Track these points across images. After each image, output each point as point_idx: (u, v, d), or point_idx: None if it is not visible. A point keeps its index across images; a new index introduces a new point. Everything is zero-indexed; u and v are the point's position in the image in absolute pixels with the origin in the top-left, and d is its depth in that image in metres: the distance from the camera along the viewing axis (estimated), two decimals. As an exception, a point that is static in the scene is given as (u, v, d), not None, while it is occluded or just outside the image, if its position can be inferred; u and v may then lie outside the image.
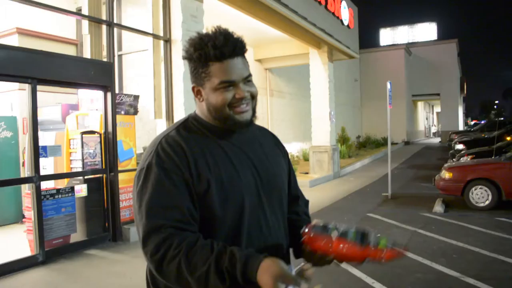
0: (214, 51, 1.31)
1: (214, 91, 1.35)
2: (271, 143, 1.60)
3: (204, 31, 6.43)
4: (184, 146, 1.33)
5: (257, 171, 1.43)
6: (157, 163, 1.30)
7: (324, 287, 4.40)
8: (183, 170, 1.29)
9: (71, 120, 6.61)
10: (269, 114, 16.27)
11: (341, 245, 1.34)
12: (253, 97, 1.41)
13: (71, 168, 6.34)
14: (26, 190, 6.46)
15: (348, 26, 14.62)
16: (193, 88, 1.42)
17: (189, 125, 1.43)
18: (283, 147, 1.68)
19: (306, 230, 1.36)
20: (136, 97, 6.92)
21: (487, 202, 8.19)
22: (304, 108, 15.93)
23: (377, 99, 27.74)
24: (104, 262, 5.48)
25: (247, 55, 1.43)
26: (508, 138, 14.61)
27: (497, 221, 7.30)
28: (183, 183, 1.29)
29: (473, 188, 8.28)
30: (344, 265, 4.94)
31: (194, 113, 1.48)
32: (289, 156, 1.74)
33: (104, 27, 6.31)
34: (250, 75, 1.40)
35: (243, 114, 1.38)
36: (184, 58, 1.41)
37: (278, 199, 1.49)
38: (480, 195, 8.24)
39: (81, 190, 5.96)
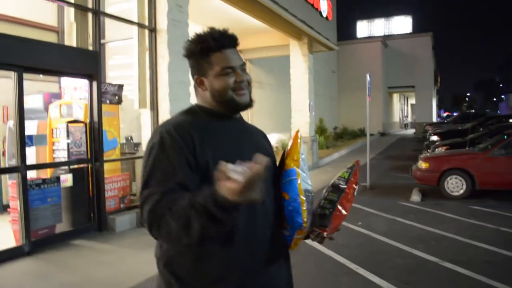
0: (215, 42, 1.50)
1: (217, 77, 1.50)
2: (261, 137, 1.73)
3: (189, 21, 6.44)
4: (189, 129, 1.42)
5: (252, 155, 1.47)
6: (160, 142, 1.39)
7: (310, 274, 4.57)
8: (185, 149, 1.37)
9: (55, 109, 6.53)
10: (248, 105, 16.27)
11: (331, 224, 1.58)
12: (249, 83, 1.57)
13: (54, 158, 6.28)
14: (8, 180, 6.39)
15: (326, 18, 14.78)
16: (196, 80, 1.56)
17: (194, 112, 1.56)
18: (267, 139, 1.78)
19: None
20: (120, 87, 6.90)
21: (461, 191, 8.51)
22: (283, 99, 16.07)
23: (354, 90, 28.10)
24: (91, 252, 5.49)
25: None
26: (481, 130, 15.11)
27: (470, 209, 7.62)
28: (184, 159, 1.36)
29: (449, 178, 8.59)
30: (328, 252, 5.14)
31: (196, 104, 1.61)
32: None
33: (90, 15, 6.26)
34: (244, 63, 1.57)
35: (243, 96, 1.53)
36: (185, 56, 1.57)
37: (273, 186, 1.58)
38: (455, 185, 8.56)
39: (67, 180, 5.94)
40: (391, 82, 35.99)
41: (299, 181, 1.55)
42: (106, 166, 6.44)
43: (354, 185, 1.63)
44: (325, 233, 1.56)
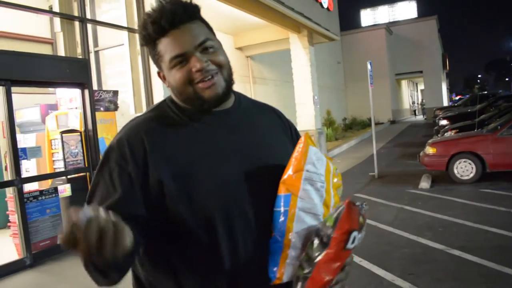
0: (153, 27, 1.15)
1: (170, 70, 1.17)
2: (273, 122, 1.36)
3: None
4: (143, 136, 1.15)
5: (248, 160, 1.19)
6: (107, 152, 1.17)
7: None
8: (130, 163, 1.12)
9: (51, 120, 6.52)
10: (253, 102, 16.16)
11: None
12: (220, 65, 1.18)
13: (54, 168, 6.28)
14: (10, 193, 6.41)
15: (327, 8, 14.58)
16: (158, 74, 1.25)
17: (163, 109, 1.24)
18: (289, 123, 1.41)
19: None
20: (115, 93, 6.85)
21: (471, 175, 8.29)
22: (288, 93, 15.89)
23: (361, 80, 27.71)
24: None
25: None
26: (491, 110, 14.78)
27: (481, 193, 7.42)
28: (124, 177, 1.11)
29: (457, 162, 8.38)
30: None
31: (169, 96, 1.29)
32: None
33: (76, 23, 6.21)
34: (207, 39, 1.17)
35: (209, 89, 1.16)
36: (141, 45, 1.25)
37: (272, 196, 1.18)
38: (465, 168, 8.34)
39: (65, 190, 5.91)
40: (398, 69, 35.55)
41: (290, 215, 1.12)
42: (106, 173, 6.39)
43: (342, 236, 1.06)
44: None
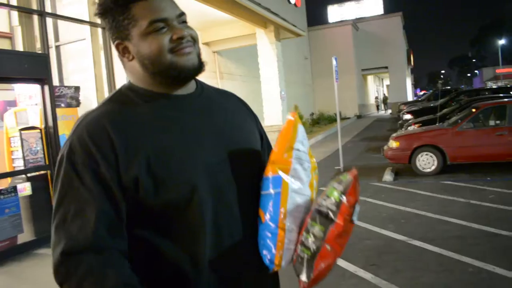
0: None
1: (145, 37, 1.08)
2: (237, 107, 1.32)
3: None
4: (108, 127, 1.04)
5: (219, 143, 1.15)
6: (68, 156, 1.04)
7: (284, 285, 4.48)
8: (100, 162, 1.01)
9: (10, 117, 6.31)
10: (221, 98, 16.10)
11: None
12: (195, 40, 1.15)
13: (14, 167, 6.08)
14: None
15: (295, 4, 14.70)
16: (117, 47, 1.14)
17: (122, 97, 1.13)
18: (253, 112, 1.38)
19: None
20: (76, 89, 6.69)
21: (433, 168, 8.54)
22: (256, 89, 15.91)
23: (328, 75, 27.85)
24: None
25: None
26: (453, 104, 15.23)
27: (442, 185, 7.65)
28: (98, 181, 1.01)
29: (420, 155, 8.61)
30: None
31: (127, 82, 1.19)
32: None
33: (35, 17, 6.02)
34: (184, 14, 1.15)
35: (188, 57, 1.10)
36: (97, 14, 1.14)
37: (250, 179, 1.17)
38: (426, 161, 8.58)
39: (25, 188, 5.74)
40: (364, 64, 36.07)
41: (282, 197, 1.07)
42: (69, 171, 6.25)
43: (350, 209, 1.05)
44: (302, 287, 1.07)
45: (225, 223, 1.09)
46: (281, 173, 1.09)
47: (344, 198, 1.05)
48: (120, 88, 1.18)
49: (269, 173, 1.10)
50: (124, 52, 1.13)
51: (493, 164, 8.70)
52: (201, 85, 1.25)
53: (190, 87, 1.20)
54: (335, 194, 1.06)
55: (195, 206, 1.05)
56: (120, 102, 1.12)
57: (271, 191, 1.08)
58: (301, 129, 1.16)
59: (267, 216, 1.07)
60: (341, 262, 4.32)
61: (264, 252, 1.08)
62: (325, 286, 4.07)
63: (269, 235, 1.07)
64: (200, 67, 1.15)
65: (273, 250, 1.07)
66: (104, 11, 1.11)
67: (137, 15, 1.08)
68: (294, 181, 1.10)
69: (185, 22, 1.15)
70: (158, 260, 1.06)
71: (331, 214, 1.05)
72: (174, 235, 1.06)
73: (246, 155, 1.18)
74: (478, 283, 3.72)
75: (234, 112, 1.27)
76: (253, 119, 1.35)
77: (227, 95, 1.34)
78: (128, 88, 1.15)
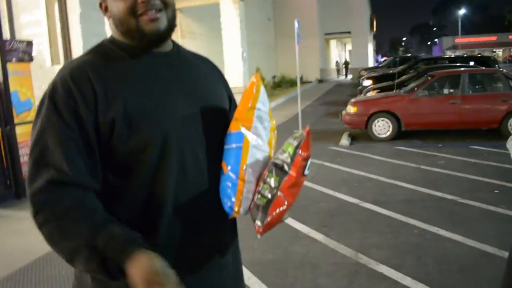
0: None
1: None
2: (210, 70, 1.37)
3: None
4: (90, 75, 1.09)
5: (192, 98, 1.21)
6: (50, 95, 1.09)
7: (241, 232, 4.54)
8: (80, 102, 1.06)
9: (-47, 70, 5.94)
10: (182, 57, 15.78)
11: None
12: (166, 3, 1.15)
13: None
14: None
15: (258, -38, 14.31)
16: (100, 5, 1.20)
17: (103, 49, 1.19)
18: (223, 77, 1.43)
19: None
20: (29, 43, 6.33)
21: (388, 133, 8.78)
22: (217, 49, 15.65)
23: (291, 38, 27.63)
24: (8, 220, 5.18)
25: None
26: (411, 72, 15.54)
27: (396, 150, 7.89)
28: (76, 119, 1.06)
29: (376, 121, 8.81)
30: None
31: (110, 36, 1.23)
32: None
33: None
34: None
35: (152, 22, 1.12)
36: None
37: (217, 135, 1.23)
38: (382, 127, 8.80)
39: (-28, 146, 5.49)
40: (327, 28, 35.98)
41: (243, 151, 1.18)
42: (20, 129, 5.99)
43: (302, 162, 1.15)
44: (258, 234, 1.18)
45: (190, 169, 1.16)
46: (243, 130, 1.19)
47: (298, 152, 1.15)
48: (102, 41, 1.23)
49: (233, 129, 1.21)
50: (105, 10, 1.19)
51: (446, 131, 9.04)
52: (177, 47, 1.30)
53: (167, 46, 1.24)
54: (290, 149, 1.17)
55: (165, 151, 1.11)
56: (101, 53, 1.18)
57: (234, 145, 1.19)
58: (262, 90, 1.26)
59: (229, 168, 1.18)
60: (295, 224, 4.42)
61: (225, 200, 1.18)
62: (278, 246, 4.18)
63: (230, 185, 1.18)
64: (167, 31, 1.18)
65: (233, 199, 1.17)
66: None
67: None
68: (254, 137, 1.20)
69: None
70: (121, 203, 1.12)
71: (285, 167, 1.15)
72: (141, 177, 1.11)
73: (215, 112, 1.25)
74: (422, 243, 3.91)
75: (207, 74, 1.33)
76: (224, 83, 1.41)
77: (202, 59, 1.39)
78: (110, 42, 1.20)
